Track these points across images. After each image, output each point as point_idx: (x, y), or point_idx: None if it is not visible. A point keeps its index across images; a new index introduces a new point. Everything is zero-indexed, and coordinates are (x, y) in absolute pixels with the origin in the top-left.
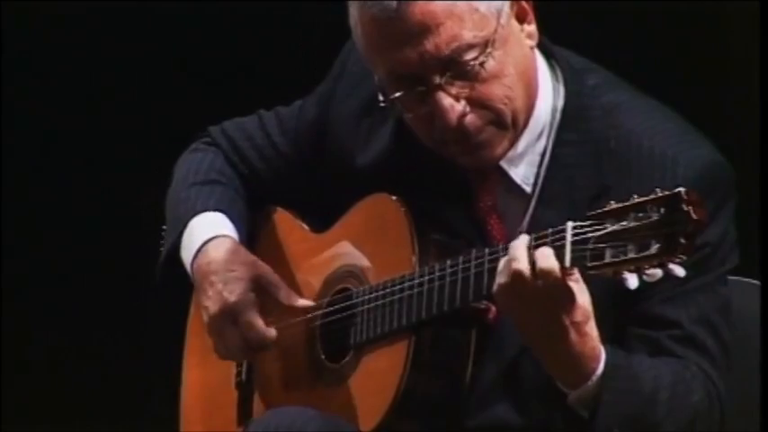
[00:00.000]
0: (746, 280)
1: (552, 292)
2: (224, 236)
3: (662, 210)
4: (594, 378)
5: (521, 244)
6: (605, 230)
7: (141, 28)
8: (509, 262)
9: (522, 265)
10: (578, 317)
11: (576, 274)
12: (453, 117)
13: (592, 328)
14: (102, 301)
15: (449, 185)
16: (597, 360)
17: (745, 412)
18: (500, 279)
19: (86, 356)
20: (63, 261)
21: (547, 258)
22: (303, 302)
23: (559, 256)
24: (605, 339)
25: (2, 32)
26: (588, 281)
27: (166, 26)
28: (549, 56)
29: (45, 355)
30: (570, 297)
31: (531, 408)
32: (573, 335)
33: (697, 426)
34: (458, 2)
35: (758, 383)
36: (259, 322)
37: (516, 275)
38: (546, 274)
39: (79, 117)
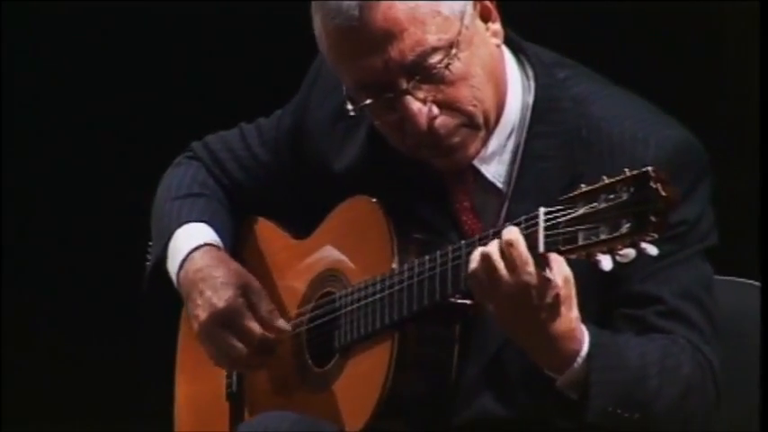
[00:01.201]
0: (746, 280)
1: (521, 276)
2: (209, 244)
3: (631, 189)
4: (580, 360)
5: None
6: (577, 213)
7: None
8: (479, 252)
9: (492, 250)
10: (552, 299)
11: (555, 254)
12: (423, 121)
13: (569, 310)
14: (103, 300)
15: (425, 187)
16: (579, 342)
17: (745, 412)
18: (471, 266)
19: (86, 357)
20: (63, 261)
21: (516, 243)
22: (282, 324)
23: (533, 241)
24: (591, 321)
25: (2, 32)
26: (571, 264)
27: (166, 26)
28: (518, 52)
29: (45, 355)
30: (541, 280)
31: (519, 398)
32: (549, 318)
33: (691, 398)
34: (420, 6)
35: (758, 384)
36: (255, 326)
37: (484, 262)
38: (514, 257)
39: (80, 117)
